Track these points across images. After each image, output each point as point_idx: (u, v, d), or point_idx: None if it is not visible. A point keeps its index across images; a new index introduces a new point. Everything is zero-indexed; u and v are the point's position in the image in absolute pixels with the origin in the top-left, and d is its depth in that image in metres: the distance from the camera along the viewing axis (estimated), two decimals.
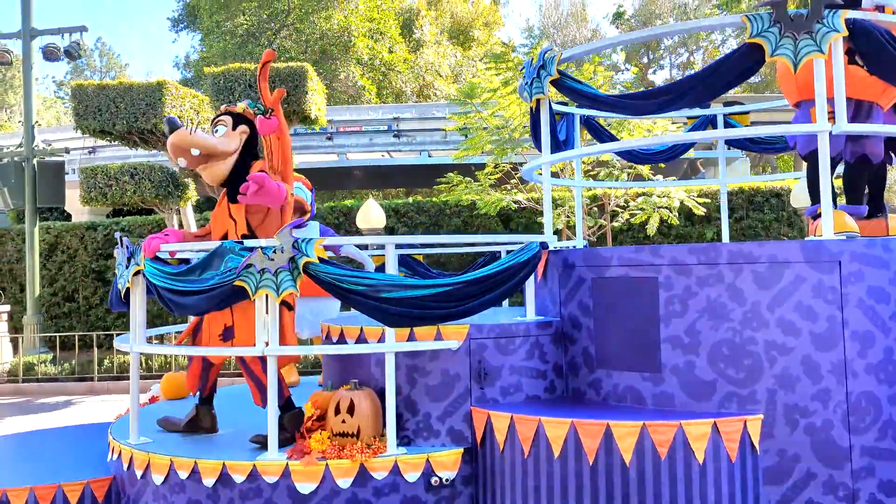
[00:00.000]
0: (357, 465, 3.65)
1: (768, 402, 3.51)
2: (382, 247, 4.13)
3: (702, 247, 3.68)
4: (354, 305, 3.74)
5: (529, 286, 4.23)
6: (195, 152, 4.05)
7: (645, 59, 38.60)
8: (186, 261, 4.24)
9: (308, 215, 5.90)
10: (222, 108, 4.47)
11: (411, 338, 3.91)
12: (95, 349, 11.46)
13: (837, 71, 3.59)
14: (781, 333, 3.52)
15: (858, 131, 3.74)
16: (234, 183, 4.11)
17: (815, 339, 3.49)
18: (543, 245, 4.17)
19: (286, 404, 4.10)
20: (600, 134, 5.66)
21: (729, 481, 3.40)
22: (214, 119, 4.38)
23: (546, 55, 4.30)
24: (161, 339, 9.84)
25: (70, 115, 16.81)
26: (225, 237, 4.19)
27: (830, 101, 3.93)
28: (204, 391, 4.54)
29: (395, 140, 21.48)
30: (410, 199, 13.81)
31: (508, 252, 4.27)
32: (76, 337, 12.65)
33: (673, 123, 9.13)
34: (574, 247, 5.30)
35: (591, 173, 11.40)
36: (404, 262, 6.11)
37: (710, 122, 5.91)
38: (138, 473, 3.94)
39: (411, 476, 3.68)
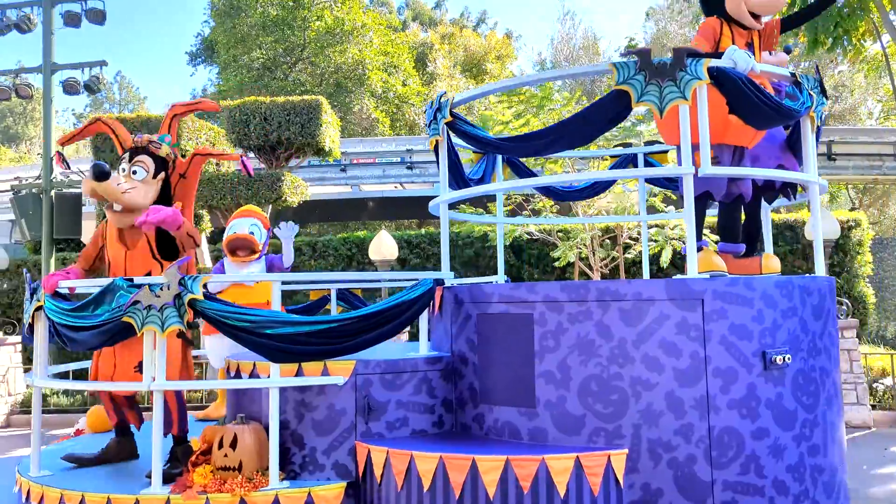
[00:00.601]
0: (237, 499, 3.71)
1: (633, 436, 3.60)
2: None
3: (573, 284, 3.79)
4: (239, 341, 3.85)
5: (423, 322, 4.34)
6: (117, 207, 4.17)
7: None
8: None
9: (257, 255, 5.90)
10: (144, 137, 4.42)
11: (300, 373, 4.00)
12: None
13: (702, 116, 3.75)
14: (646, 369, 3.62)
15: (720, 174, 3.89)
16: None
17: (678, 375, 3.59)
18: (438, 281, 4.29)
19: (182, 437, 4.18)
20: (519, 171, 5.82)
21: None
22: (133, 155, 4.36)
23: (441, 98, 4.47)
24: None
25: (88, 148, 17.03)
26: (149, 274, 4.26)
27: (714, 146, 4.10)
28: (120, 423, 4.64)
29: (408, 172, 21.66)
30: (423, 231, 13.80)
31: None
32: (88, 370, 12.55)
33: (604, 160, 9.28)
34: (496, 282, 5.42)
35: (553, 209, 11.47)
36: (342, 295, 6.22)
37: (630, 161, 6.07)
38: None
39: None
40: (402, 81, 29.48)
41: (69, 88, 14.68)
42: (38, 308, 4.26)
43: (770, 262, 4.18)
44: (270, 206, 11.91)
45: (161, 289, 3.82)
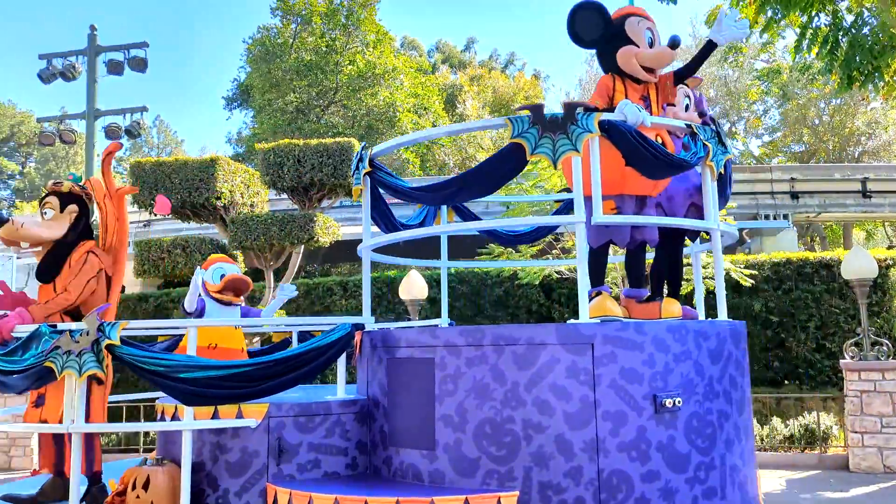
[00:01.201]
0: None
1: (525, 478, 3.68)
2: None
3: (470, 329, 3.92)
4: (154, 385, 4.02)
5: (341, 365, 4.48)
6: (24, 245, 4.42)
7: None
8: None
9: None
10: (49, 184, 4.74)
11: (216, 415, 4.14)
12: (143, 419, 11.36)
13: (594, 168, 3.91)
14: (538, 412, 3.72)
15: (611, 222, 4.02)
16: (55, 263, 4.46)
17: (568, 419, 3.68)
18: (358, 326, 4.44)
19: (96, 477, 4.33)
20: (463, 214, 6.00)
21: None
22: (42, 200, 4.66)
23: (363, 149, 4.69)
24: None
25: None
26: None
27: (615, 196, 4.26)
28: (57, 464, 4.79)
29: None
30: (452, 270, 13.82)
31: None
32: (123, 407, 12.27)
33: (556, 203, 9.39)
34: (439, 325, 5.56)
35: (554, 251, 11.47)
36: (303, 337, 6.37)
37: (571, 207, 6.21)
38: None
39: None
40: (432, 123, 30.09)
41: (111, 133, 15.40)
42: None
43: (670, 306, 4.27)
44: (303, 247, 12.02)
45: (80, 334, 4.01)
